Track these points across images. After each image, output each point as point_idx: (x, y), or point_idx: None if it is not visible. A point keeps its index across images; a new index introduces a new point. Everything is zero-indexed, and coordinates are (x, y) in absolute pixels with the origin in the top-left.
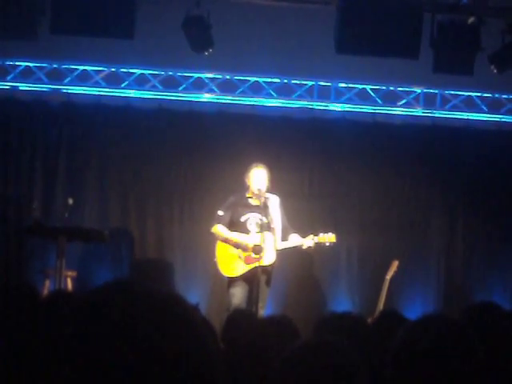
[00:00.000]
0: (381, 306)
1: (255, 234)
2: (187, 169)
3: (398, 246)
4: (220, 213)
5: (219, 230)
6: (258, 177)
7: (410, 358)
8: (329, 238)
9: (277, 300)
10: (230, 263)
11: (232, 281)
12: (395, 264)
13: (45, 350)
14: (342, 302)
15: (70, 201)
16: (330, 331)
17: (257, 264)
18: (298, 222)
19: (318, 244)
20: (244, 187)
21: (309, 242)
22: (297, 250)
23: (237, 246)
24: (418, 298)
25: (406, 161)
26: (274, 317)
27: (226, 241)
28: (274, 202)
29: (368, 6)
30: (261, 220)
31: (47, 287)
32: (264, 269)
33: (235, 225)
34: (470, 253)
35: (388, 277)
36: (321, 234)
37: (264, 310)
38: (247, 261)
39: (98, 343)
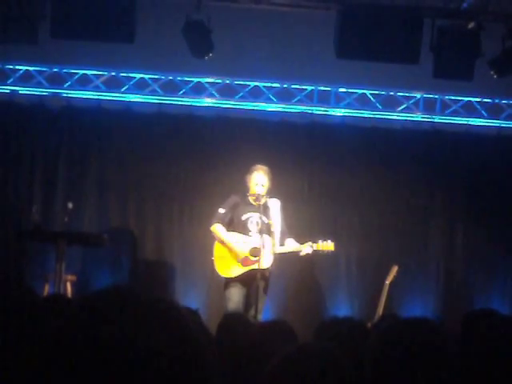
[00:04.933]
0: (380, 310)
1: (254, 235)
2: (187, 173)
3: (398, 251)
4: (221, 210)
5: (217, 229)
6: (257, 181)
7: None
8: (327, 246)
9: (277, 305)
10: (227, 264)
11: (228, 282)
12: (395, 269)
13: (44, 354)
14: (342, 307)
15: (70, 205)
16: (330, 336)
17: (254, 266)
18: (297, 226)
19: (316, 251)
20: (246, 186)
21: (307, 249)
22: (295, 255)
23: (230, 250)
24: (418, 303)
25: (406, 166)
26: (271, 321)
27: (221, 242)
28: (275, 205)
29: (368, 11)
30: (261, 220)
31: (47, 291)
32: (262, 273)
33: (235, 223)
34: (470, 258)
35: (387, 282)
36: (319, 242)
37: (261, 315)
38: (244, 263)
39: (94, 347)
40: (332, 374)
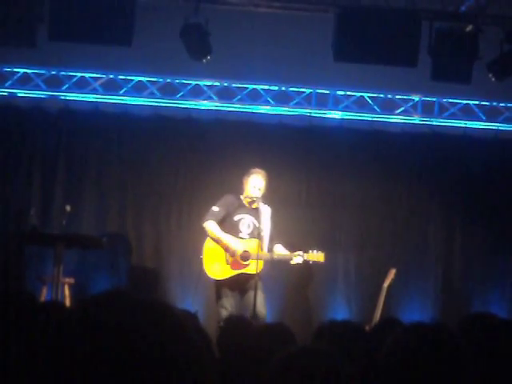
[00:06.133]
0: (378, 314)
1: (245, 237)
2: (185, 176)
3: (396, 254)
4: (215, 209)
5: (211, 227)
6: (255, 184)
7: (399, 364)
8: (317, 256)
9: (275, 308)
10: (216, 265)
11: (219, 290)
12: (393, 272)
13: (43, 357)
14: (340, 310)
15: (68, 208)
16: (328, 339)
17: (243, 270)
18: (294, 229)
19: (306, 261)
20: (241, 188)
21: (298, 259)
22: (285, 264)
23: (225, 249)
24: (416, 306)
25: (404, 169)
26: (270, 324)
27: (215, 240)
28: (267, 211)
29: (366, 14)
30: (253, 223)
31: (44, 294)
32: (252, 277)
33: (227, 223)
34: (468, 261)
35: (385, 285)
36: (310, 252)
37: (265, 310)
38: (233, 266)
39: (93, 350)
40: (329, 376)
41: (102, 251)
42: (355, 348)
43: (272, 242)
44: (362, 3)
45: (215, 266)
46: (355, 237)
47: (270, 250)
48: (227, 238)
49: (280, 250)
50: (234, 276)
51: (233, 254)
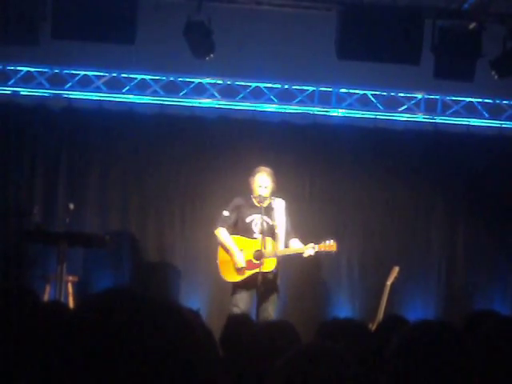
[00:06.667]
0: (381, 312)
1: (260, 237)
2: (188, 174)
3: (399, 252)
4: (225, 213)
5: (221, 234)
6: (260, 182)
7: (407, 362)
8: (330, 246)
9: (278, 306)
10: (231, 268)
11: (235, 288)
12: (396, 270)
13: (47, 355)
14: (343, 308)
15: (71, 206)
16: (331, 337)
17: (257, 270)
18: (298, 227)
19: (318, 252)
20: (249, 188)
21: (310, 250)
22: (298, 258)
23: (231, 257)
24: (419, 304)
25: (407, 166)
26: (274, 321)
27: (223, 248)
28: (280, 205)
29: (369, 12)
30: (266, 222)
31: (48, 292)
32: (264, 275)
33: (239, 225)
34: (471, 258)
35: (389, 283)
36: (322, 242)
37: (273, 316)
38: (248, 266)
39: (99, 347)
40: (339, 375)
41: (105, 249)
42: (357, 345)
43: (288, 236)
44: (365, 1)
45: (231, 269)
46: (358, 234)
47: (287, 244)
48: (234, 249)
49: (295, 245)
50: (250, 276)
51: (236, 266)
